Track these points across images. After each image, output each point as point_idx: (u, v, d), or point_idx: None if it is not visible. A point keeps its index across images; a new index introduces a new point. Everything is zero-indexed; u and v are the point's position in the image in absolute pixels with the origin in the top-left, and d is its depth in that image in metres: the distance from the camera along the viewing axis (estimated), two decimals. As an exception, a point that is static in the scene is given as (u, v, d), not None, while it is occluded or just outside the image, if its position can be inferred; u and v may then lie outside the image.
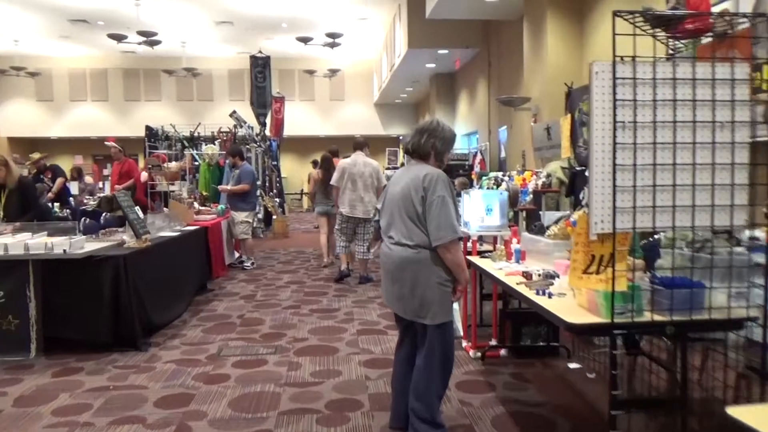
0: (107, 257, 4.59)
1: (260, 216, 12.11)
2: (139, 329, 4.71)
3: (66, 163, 19.88)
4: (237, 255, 8.80)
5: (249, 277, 7.91)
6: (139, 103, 20.43)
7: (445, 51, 13.56)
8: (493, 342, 4.52)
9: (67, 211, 9.04)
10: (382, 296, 3.14)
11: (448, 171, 10.56)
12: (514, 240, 3.86)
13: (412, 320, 2.85)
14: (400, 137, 20.43)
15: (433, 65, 15.18)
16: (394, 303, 2.93)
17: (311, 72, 18.63)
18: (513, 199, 4.40)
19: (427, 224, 2.75)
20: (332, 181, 7.27)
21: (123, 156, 9.46)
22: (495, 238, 4.55)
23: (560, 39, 8.40)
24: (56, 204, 9.27)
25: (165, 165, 7.52)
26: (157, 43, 14.96)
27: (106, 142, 10.48)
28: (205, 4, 14.54)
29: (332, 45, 15.21)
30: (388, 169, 11.76)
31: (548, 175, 6.70)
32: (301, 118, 20.72)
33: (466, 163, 11.96)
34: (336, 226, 7.39)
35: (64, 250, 4.41)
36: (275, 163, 14.27)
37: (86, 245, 4.82)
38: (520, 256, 3.79)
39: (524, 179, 4.75)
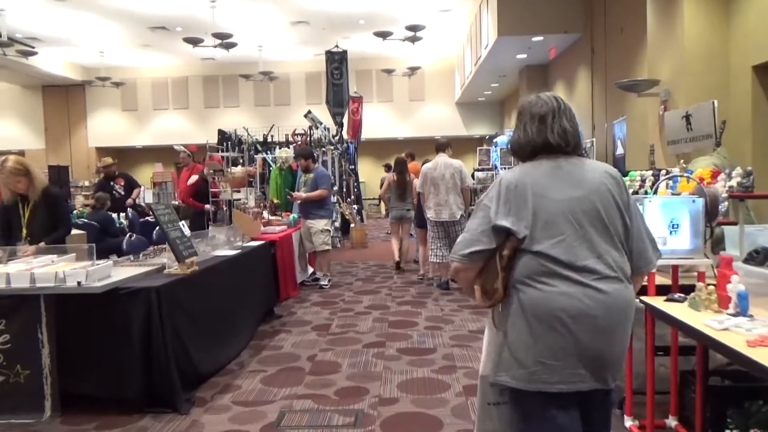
0: (136, 290, 3.44)
1: (337, 224, 10.95)
2: (179, 383, 3.52)
3: (148, 172, 19.78)
4: (311, 271, 7.61)
5: (323, 299, 6.67)
6: (218, 109, 19.95)
7: (540, 38, 11.89)
8: (672, 422, 2.99)
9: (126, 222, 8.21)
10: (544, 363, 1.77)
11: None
12: (734, 277, 2.33)
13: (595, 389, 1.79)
14: (488, 136, 18.81)
15: (524, 56, 13.52)
16: (594, 371, 1.77)
17: (389, 71, 17.39)
18: (712, 210, 2.86)
19: (631, 242, 1.86)
20: (417, 188, 7.23)
21: (192, 161, 8.57)
22: (674, 268, 3.01)
23: (700, 7, 6.65)
24: (121, 214, 8.46)
25: (229, 170, 6.46)
26: (233, 45, 14.19)
27: (175, 146, 9.65)
28: (280, 4, 13.65)
29: (413, 39, 13.89)
30: (479, 170, 10.27)
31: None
32: (379, 120, 19.55)
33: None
34: (429, 234, 7.09)
35: (79, 282, 3.28)
36: (353, 167, 13.11)
37: (117, 272, 3.69)
38: (747, 304, 2.27)
39: (701, 178, 3.26)
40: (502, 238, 1.80)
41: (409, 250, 8.84)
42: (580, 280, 1.73)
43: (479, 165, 10.10)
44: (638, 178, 4.73)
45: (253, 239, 5.93)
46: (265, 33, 16.23)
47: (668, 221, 2.74)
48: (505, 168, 9.88)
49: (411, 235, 9.02)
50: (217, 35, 13.61)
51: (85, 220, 7.82)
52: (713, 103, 5.81)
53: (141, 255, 4.32)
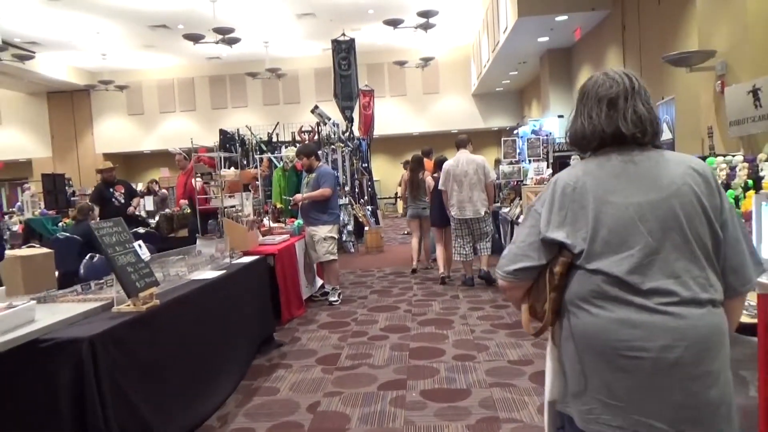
0: (61, 342, 2.48)
1: (350, 228, 9.97)
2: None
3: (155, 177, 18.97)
4: (319, 283, 6.63)
5: (333, 318, 5.68)
6: (226, 110, 19.06)
7: (564, 17, 10.77)
8: None
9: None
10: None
11: (561, 167, 7.83)
12: None
13: None
14: (508, 128, 17.62)
15: (545, 39, 12.39)
16: (676, 422, 1.36)
17: (402, 63, 16.34)
18: None
19: (724, 257, 1.45)
20: (440, 186, 6.86)
21: (189, 164, 7.66)
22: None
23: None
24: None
25: (217, 172, 5.51)
26: (236, 41, 13.25)
27: (170, 149, 8.75)
28: (284, -6, 12.72)
29: (425, 27, 12.81)
30: (504, 164, 9.20)
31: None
32: (392, 115, 18.50)
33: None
34: (452, 233, 6.92)
35: (-25, 336, 2.32)
36: (365, 165, 12.10)
37: (50, 313, 2.73)
38: None
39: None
40: (554, 252, 1.53)
41: (429, 248, 8.22)
42: (647, 305, 1.40)
43: (504, 157, 9.07)
44: (724, 166, 3.66)
45: (247, 253, 4.97)
46: (271, 27, 15.30)
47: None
48: (532, 161, 8.80)
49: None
50: (218, 30, 12.72)
51: (67, 234, 6.93)
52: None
53: (93, 284, 3.36)
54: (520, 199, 7.29)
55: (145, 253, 3.10)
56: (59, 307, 2.95)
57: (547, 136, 9.95)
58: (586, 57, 12.41)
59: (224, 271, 4.10)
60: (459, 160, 6.71)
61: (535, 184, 6.85)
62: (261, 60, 17.07)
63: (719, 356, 1.40)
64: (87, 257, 5.63)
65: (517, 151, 9.41)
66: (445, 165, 6.80)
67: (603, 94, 1.53)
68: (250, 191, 7.11)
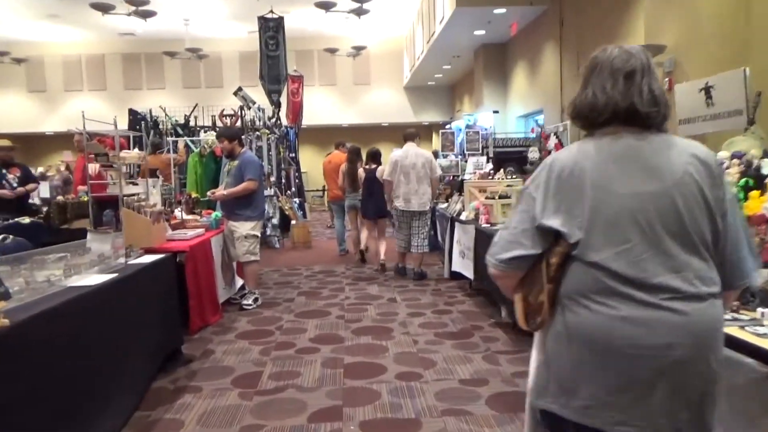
0: None
1: (275, 221, 9.13)
2: None
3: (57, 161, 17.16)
4: (240, 284, 5.81)
5: (254, 326, 4.89)
6: (141, 92, 17.46)
7: (502, 10, 10.39)
8: None
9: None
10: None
11: (501, 164, 7.38)
12: None
13: None
14: (442, 122, 17.18)
15: (482, 32, 12.01)
16: (672, 415, 1.36)
17: (333, 50, 15.55)
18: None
19: (723, 250, 1.41)
20: (384, 175, 6.69)
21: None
22: None
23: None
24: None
25: (115, 153, 4.57)
26: (152, 14, 11.99)
27: (70, 129, 7.57)
28: (205, -34, 11.60)
29: (359, 12, 12.12)
30: (442, 157, 8.68)
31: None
32: (321, 105, 17.68)
33: (527, 150, 8.81)
34: (394, 224, 6.95)
35: None
36: (293, 155, 11.26)
37: None
38: None
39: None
40: (550, 240, 1.43)
41: (357, 239, 8.03)
42: (650, 301, 1.33)
43: (442, 150, 8.55)
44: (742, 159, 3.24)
45: (150, 251, 4.09)
46: (191, 3, 14.05)
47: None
48: (472, 155, 8.33)
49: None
50: (131, 0, 11.44)
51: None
52: (744, 70, 4.40)
53: None
54: (461, 194, 6.76)
55: (-10, 254, 2.22)
56: None
57: (485, 130, 9.52)
58: (522, 53, 12.16)
59: (115, 275, 3.23)
60: (408, 152, 6.60)
61: (478, 179, 6.34)
62: (181, 39, 15.73)
63: (718, 349, 1.40)
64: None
65: (457, 143, 8.92)
66: (393, 155, 6.70)
67: (619, 66, 1.45)
68: (158, 177, 6.16)
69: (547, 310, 1.44)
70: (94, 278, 3.09)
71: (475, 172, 7.29)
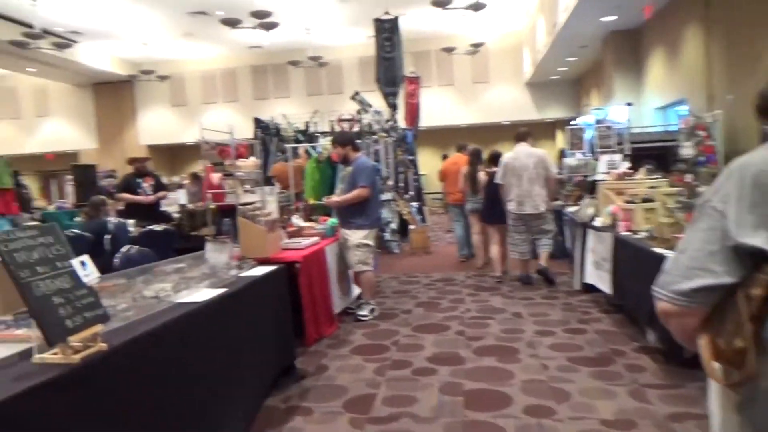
0: None
1: (394, 226, 8.91)
2: None
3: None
4: (357, 292, 5.60)
5: (369, 339, 4.64)
6: (269, 101, 18.24)
7: (636, -9, 9.38)
8: None
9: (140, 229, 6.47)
10: None
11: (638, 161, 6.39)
12: None
13: None
14: (570, 119, 16.10)
15: (611, 18, 10.97)
16: None
17: (450, 49, 15.11)
18: None
19: None
20: (497, 179, 6.42)
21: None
22: None
23: None
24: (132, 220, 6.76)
25: (233, 162, 4.53)
26: (274, 26, 12.41)
27: (198, 140, 7.89)
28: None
29: (476, 7, 11.63)
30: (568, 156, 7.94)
31: None
32: (438, 106, 17.29)
33: (672, 145, 7.76)
34: (509, 229, 6.51)
35: None
36: (411, 157, 10.99)
37: None
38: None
39: None
40: (747, 265, 1.08)
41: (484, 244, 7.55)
42: None
43: (570, 149, 7.81)
44: None
45: (263, 261, 3.97)
46: (312, 12, 14.37)
47: None
48: (604, 152, 7.51)
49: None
50: (256, 14, 11.88)
51: (77, 231, 6.13)
52: None
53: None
54: (592, 196, 6.06)
55: (88, 273, 2.10)
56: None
57: (618, 125, 8.59)
58: (658, 38, 10.93)
59: (225, 290, 3.09)
60: (518, 153, 6.34)
61: (614, 179, 5.61)
62: (303, 48, 16.19)
63: None
64: (125, 249, 4.76)
65: (586, 140, 8.11)
66: (504, 158, 6.45)
67: None
68: (274, 185, 6.15)
69: (752, 362, 1.06)
70: (203, 293, 2.96)
71: (609, 172, 6.52)
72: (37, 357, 1.93)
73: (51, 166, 20.08)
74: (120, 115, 19.24)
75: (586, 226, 5.63)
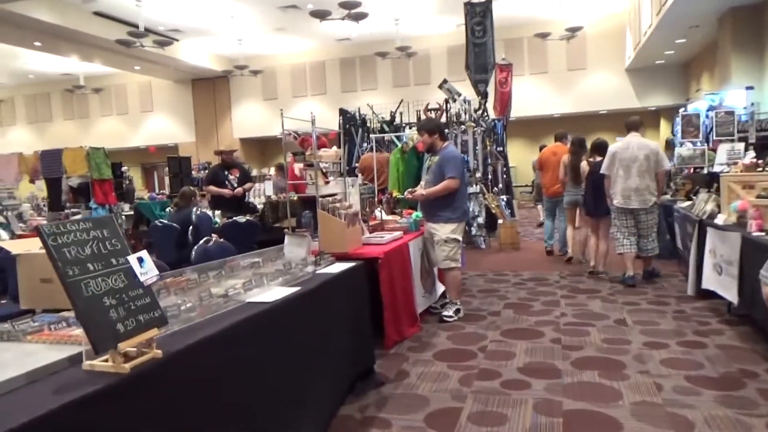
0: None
1: (481, 220, 8.44)
2: None
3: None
4: (441, 290, 5.24)
5: (454, 343, 4.26)
6: (356, 93, 18.17)
7: (763, -41, 8.27)
8: None
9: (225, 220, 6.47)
10: None
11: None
12: None
13: None
14: (678, 107, 14.76)
15: (730, -8, 9.82)
16: None
17: (544, 35, 14.26)
18: None
19: None
20: (603, 170, 5.96)
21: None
22: None
23: None
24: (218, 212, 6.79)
25: (312, 152, 4.31)
26: (363, 16, 12.21)
27: (281, 132, 7.81)
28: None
29: (575, -12, 10.80)
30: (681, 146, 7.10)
31: None
32: (530, 95, 16.44)
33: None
34: (613, 221, 6.08)
35: None
36: (500, 148, 10.42)
37: None
38: None
39: None
40: None
41: (583, 240, 7.04)
42: None
43: (683, 137, 6.97)
44: None
45: (341, 257, 3.71)
46: (400, 2, 14.06)
47: None
48: (723, 141, 6.64)
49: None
50: (344, 5, 11.74)
51: (165, 222, 6.20)
52: None
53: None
54: (710, 190, 5.32)
55: (146, 271, 1.89)
56: (13, 350, 1.88)
57: (738, 111, 7.59)
58: (788, 13, 9.63)
59: (298, 288, 2.84)
60: (630, 143, 5.84)
61: (741, 171, 4.85)
62: (391, 40, 15.92)
63: None
64: (202, 241, 4.72)
65: (703, 128, 7.22)
66: (612, 147, 5.98)
67: None
68: (357, 176, 5.89)
69: None
70: (275, 292, 2.72)
71: (731, 163, 5.71)
72: (86, 363, 1.74)
73: (153, 159, 21.24)
74: (215, 109, 19.96)
75: (703, 223, 4.92)
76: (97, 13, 13.75)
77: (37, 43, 14.25)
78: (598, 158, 6.25)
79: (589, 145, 6.75)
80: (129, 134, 21.05)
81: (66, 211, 8.09)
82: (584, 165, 6.58)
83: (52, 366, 1.74)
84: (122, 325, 1.75)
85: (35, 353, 1.85)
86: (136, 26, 12.86)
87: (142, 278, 1.89)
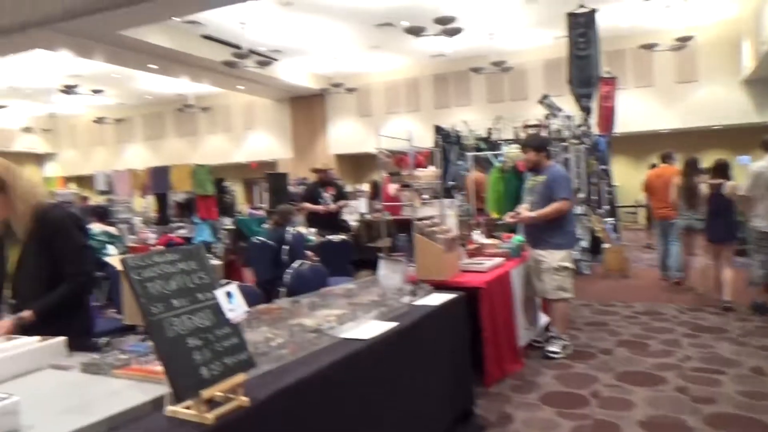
0: None
1: (584, 244, 7.83)
2: None
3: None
4: (544, 321, 4.80)
5: (562, 385, 3.82)
6: (449, 109, 17.88)
7: None
8: None
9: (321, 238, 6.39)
10: None
11: None
12: None
13: None
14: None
15: None
16: None
17: (650, 46, 13.27)
18: None
19: None
20: (744, 191, 5.47)
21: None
22: None
23: None
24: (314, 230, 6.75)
25: (411, 172, 4.07)
26: (457, 31, 11.95)
27: (375, 149, 7.69)
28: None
29: (689, -6, 9.94)
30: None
31: None
32: (635, 109, 15.35)
33: None
34: (746, 249, 5.78)
35: None
36: (604, 167, 9.71)
37: (66, 401, 1.53)
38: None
39: None
40: None
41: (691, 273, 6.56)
42: None
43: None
44: None
45: (439, 285, 3.42)
46: (496, 16, 13.67)
47: None
48: None
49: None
50: (439, 20, 11.55)
51: (262, 240, 6.20)
52: None
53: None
54: None
55: (235, 307, 1.71)
56: (97, 387, 1.75)
57: None
58: None
59: (396, 324, 2.58)
60: None
61: None
62: (485, 55, 15.51)
63: None
64: (296, 264, 4.64)
65: None
66: (756, 167, 5.45)
67: None
68: (453, 197, 5.59)
69: None
70: (370, 327, 2.48)
71: None
72: (169, 410, 1.57)
73: (254, 174, 22.06)
74: (312, 127, 20.42)
75: None
76: (206, 36, 14.49)
77: (152, 66, 15.23)
78: (720, 180, 5.68)
79: (705, 165, 6.16)
80: (232, 150, 22.01)
81: (171, 224, 8.41)
82: (704, 187, 5.94)
83: (134, 411, 1.59)
84: (207, 370, 1.56)
85: (119, 392, 1.71)
86: (239, 47, 13.41)
87: (229, 315, 1.71)
